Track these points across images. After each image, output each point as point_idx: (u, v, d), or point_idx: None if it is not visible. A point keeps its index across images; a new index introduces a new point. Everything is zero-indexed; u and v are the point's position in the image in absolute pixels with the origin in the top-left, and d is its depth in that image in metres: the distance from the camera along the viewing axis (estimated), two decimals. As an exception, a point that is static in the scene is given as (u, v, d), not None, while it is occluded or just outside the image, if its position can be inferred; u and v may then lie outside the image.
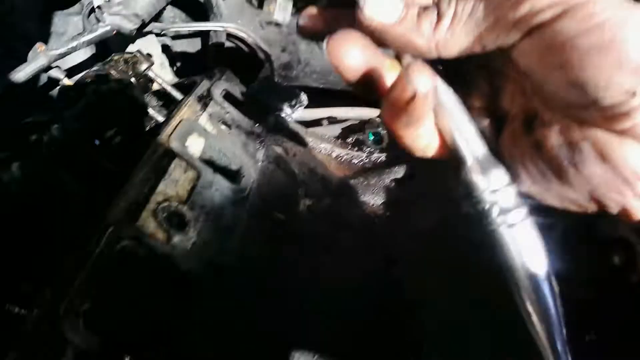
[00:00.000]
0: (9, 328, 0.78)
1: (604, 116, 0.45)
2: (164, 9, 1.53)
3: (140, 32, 1.42)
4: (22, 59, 1.45)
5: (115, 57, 1.26)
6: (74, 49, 1.24)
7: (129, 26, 1.30)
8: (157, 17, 1.50)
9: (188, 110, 1.16)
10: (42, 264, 0.87)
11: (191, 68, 1.72)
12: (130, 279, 0.79)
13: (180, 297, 0.85)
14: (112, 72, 1.19)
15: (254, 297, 0.95)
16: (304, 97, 1.43)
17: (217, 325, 0.85)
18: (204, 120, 1.17)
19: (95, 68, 1.23)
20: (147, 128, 1.19)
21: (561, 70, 0.45)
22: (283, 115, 1.40)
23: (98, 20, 1.34)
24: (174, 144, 1.02)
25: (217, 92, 1.28)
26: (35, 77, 1.27)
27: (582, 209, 0.52)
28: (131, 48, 1.50)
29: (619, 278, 0.94)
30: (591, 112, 0.46)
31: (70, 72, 1.43)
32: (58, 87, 1.33)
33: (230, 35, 1.66)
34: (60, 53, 1.20)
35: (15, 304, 0.83)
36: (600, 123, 0.46)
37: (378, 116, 1.46)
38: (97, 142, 1.15)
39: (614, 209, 0.50)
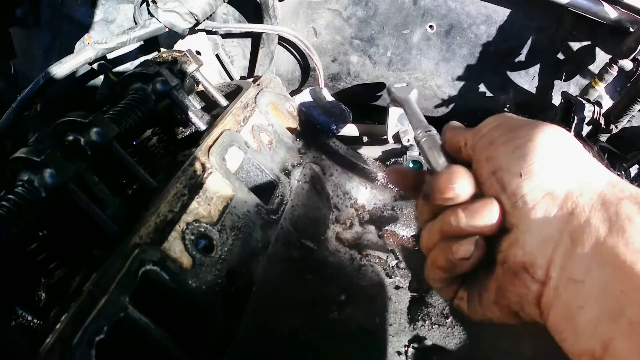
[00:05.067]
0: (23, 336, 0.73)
1: None
2: (218, 7, 1.46)
3: (192, 30, 1.35)
4: (70, 43, 1.40)
5: (164, 55, 1.20)
6: (123, 44, 1.18)
7: (183, 25, 1.23)
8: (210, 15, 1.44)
9: (231, 120, 1.09)
10: (63, 276, 0.82)
11: (240, 69, 1.65)
12: (149, 307, 0.73)
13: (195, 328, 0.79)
14: (160, 70, 1.13)
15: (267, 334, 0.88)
16: (348, 114, 1.35)
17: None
18: (246, 132, 1.10)
19: (142, 65, 1.17)
20: (188, 134, 1.13)
21: None
22: (326, 130, 1.32)
23: (150, 13, 1.28)
24: (213, 159, 0.96)
25: (263, 101, 1.21)
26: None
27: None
28: (180, 43, 1.44)
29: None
30: None
31: (115, 62, 1.38)
32: (102, 79, 1.27)
33: (282, 39, 1.58)
34: (108, 47, 1.14)
35: (32, 312, 0.78)
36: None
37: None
38: (135, 142, 1.09)
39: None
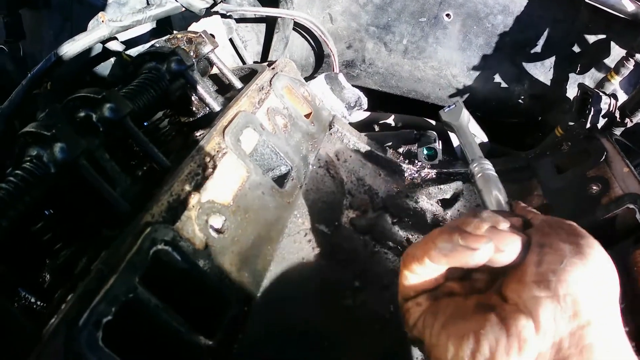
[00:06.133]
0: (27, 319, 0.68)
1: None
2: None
3: (207, 12, 1.30)
4: (81, 25, 1.34)
5: (179, 35, 1.15)
6: (139, 23, 1.12)
7: (200, 5, 1.18)
8: (225, -2, 1.38)
9: (247, 101, 1.04)
10: (69, 257, 0.77)
11: (253, 54, 1.60)
12: (159, 290, 0.68)
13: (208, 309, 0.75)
14: (176, 49, 1.07)
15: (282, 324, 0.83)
16: (364, 100, 1.30)
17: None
18: (261, 114, 1.05)
19: (157, 44, 1.12)
20: (200, 115, 1.07)
21: None
22: (340, 115, 1.27)
23: (165, -7, 1.22)
24: (228, 139, 0.91)
25: (279, 85, 1.15)
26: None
27: None
28: (194, 26, 1.38)
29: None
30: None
31: (126, 46, 1.32)
32: (114, 59, 1.22)
33: (297, 25, 1.52)
34: (123, 25, 1.08)
35: (35, 294, 0.73)
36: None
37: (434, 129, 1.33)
38: (145, 124, 1.04)
39: None
